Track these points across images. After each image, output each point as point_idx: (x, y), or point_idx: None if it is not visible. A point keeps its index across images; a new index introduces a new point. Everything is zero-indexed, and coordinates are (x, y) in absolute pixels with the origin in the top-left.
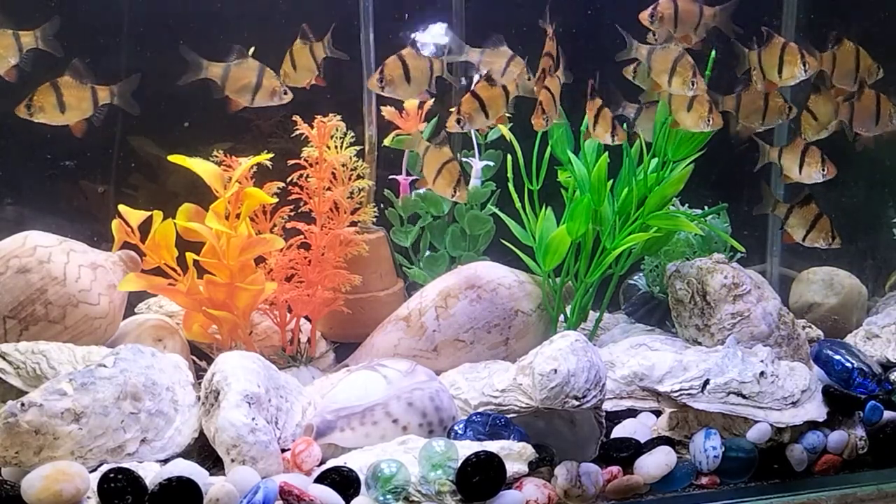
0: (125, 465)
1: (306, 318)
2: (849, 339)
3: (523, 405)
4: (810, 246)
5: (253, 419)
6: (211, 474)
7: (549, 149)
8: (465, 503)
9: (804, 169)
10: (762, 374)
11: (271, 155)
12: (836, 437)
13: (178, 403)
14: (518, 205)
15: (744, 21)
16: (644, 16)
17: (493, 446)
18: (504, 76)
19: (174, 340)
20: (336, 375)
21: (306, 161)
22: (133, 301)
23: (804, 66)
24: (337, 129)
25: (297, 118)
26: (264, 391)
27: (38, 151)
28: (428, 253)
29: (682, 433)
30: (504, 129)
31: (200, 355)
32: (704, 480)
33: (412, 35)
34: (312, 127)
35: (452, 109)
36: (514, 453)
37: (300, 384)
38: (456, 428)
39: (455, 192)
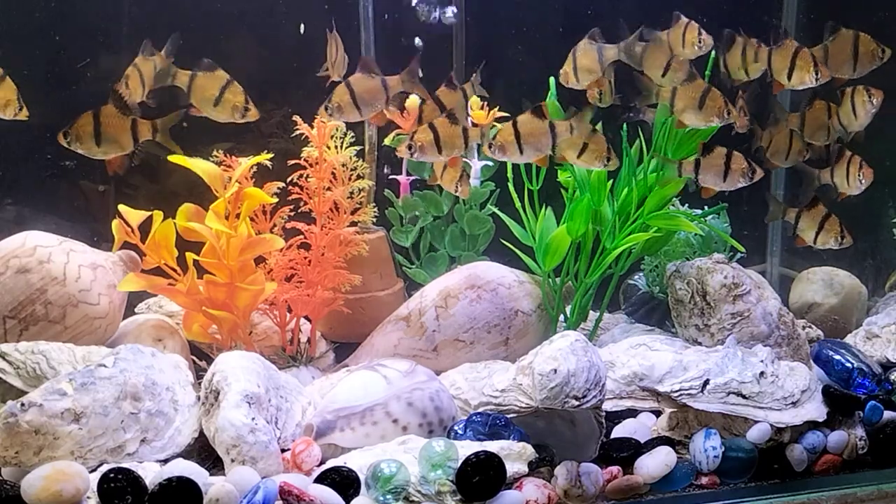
0: (125, 465)
1: (306, 318)
2: (849, 339)
3: (523, 405)
4: (822, 248)
5: (253, 419)
6: (211, 474)
7: None
8: (465, 503)
9: (851, 181)
10: (762, 374)
11: (271, 155)
12: (836, 437)
13: (178, 403)
14: (518, 205)
15: (744, 21)
16: (321, 111)
17: (493, 446)
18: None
19: (174, 340)
20: (336, 375)
21: (306, 161)
22: (133, 301)
23: (816, 74)
24: (337, 129)
25: (297, 118)
26: (264, 391)
27: (38, 151)
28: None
29: (682, 433)
30: None
31: (200, 355)
32: (704, 480)
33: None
34: (312, 127)
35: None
36: (514, 453)
37: (300, 384)
38: (456, 428)
39: (458, 187)
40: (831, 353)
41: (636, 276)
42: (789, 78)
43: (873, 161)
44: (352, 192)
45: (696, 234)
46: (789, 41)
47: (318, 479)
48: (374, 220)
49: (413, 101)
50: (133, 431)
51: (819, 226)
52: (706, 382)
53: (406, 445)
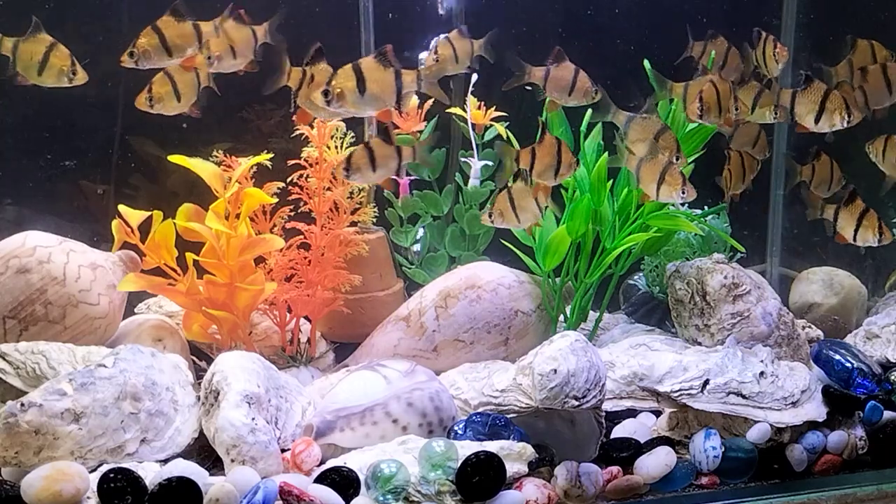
0: (125, 465)
1: (306, 318)
2: (849, 339)
3: (523, 405)
4: (863, 244)
5: (253, 419)
6: (211, 474)
7: None
8: (464, 503)
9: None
10: (762, 374)
11: (271, 155)
12: (836, 437)
13: (177, 403)
14: None
15: (744, 21)
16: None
17: (492, 446)
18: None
19: (174, 340)
20: (336, 375)
21: (306, 161)
22: (133, 301)
23: (848, 116)
24: (337, 129)
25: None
26: (264, 391)
27: (38, 151)
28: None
29: (682, 433)
30: (501, 129)
31: (200, 355)
32: (704, 480)
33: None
34: (312, 127)
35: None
36: (514, 453)
37: (300, 384)
38: (456, 428)
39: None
40: (831, 353)
41: (636, 276)
42: (817, 121)
43: (873, 161)
44: (352, 192)
45: (696, 234)
46: (817, 83)
47: (318, 479)
48: (374, 220)
49: (412, 101)
50: (133, 431)
51: (858, 222)
52: (706, 382)
53: (406, 445)
